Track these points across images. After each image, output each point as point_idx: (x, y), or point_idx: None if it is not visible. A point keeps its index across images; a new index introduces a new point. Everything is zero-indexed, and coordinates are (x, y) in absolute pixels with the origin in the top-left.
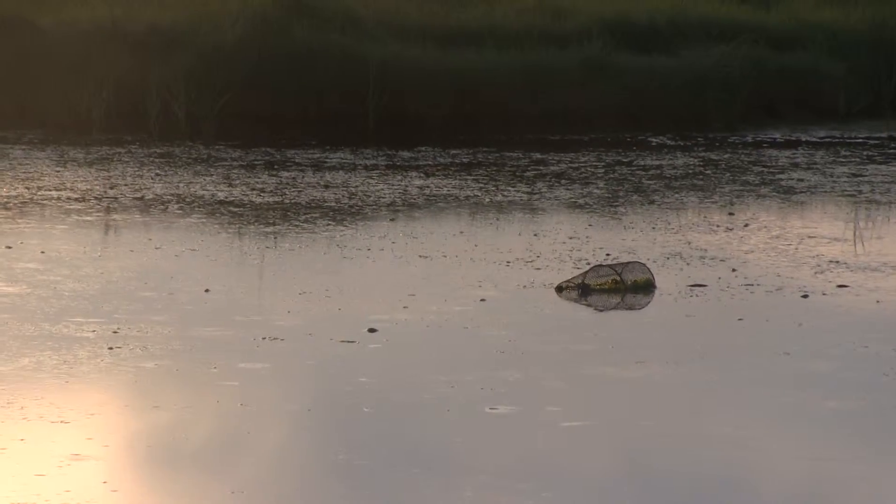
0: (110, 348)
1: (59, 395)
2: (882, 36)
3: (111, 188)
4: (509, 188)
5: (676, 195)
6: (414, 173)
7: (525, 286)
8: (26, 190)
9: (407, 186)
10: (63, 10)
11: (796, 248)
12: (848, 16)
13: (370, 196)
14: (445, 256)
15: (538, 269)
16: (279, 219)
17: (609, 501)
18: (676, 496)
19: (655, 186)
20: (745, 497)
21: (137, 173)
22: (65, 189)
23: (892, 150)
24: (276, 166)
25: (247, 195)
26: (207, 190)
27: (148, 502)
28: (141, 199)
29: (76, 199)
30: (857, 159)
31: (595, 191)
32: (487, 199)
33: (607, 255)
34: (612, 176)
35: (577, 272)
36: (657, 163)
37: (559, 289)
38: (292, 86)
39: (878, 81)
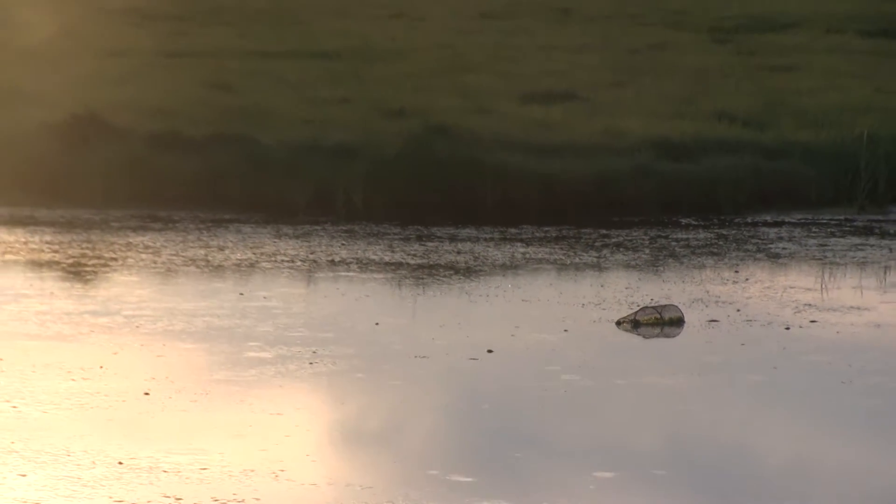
0: (310, 363)
1: (275, 396)
2: (842, 150)
3: (311, 254)
4: (583, 254)
5: (699, 259)
6: (518, 244)
7: (595, 321)
8: (252, 255)
9: (514, 253)
10: (278, 129)
11: (781, 296)
12: (818, 136)
13: (488, 259)
14: (539, 301)
15: (604, 309)
16: (426, 275)
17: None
18: (709, 462)
19: (684, 253)
20: (752, 458)
21: (329, 244)
22: (279, 254)
23: (847, 228)
24: (423, 238)
25: (404, 259)
26: (377, 255)
27: (337, 467)
28: (332, 261)
29: (287, 261)
30: (823, 234)
31: (643, 256)
32: (568, 261)
33: (651, 299)
34: (654, 245)
35: (630, 311)
36: (685, 237)
37: (618, 323)
38: (436, 182)
39: (838, 181)
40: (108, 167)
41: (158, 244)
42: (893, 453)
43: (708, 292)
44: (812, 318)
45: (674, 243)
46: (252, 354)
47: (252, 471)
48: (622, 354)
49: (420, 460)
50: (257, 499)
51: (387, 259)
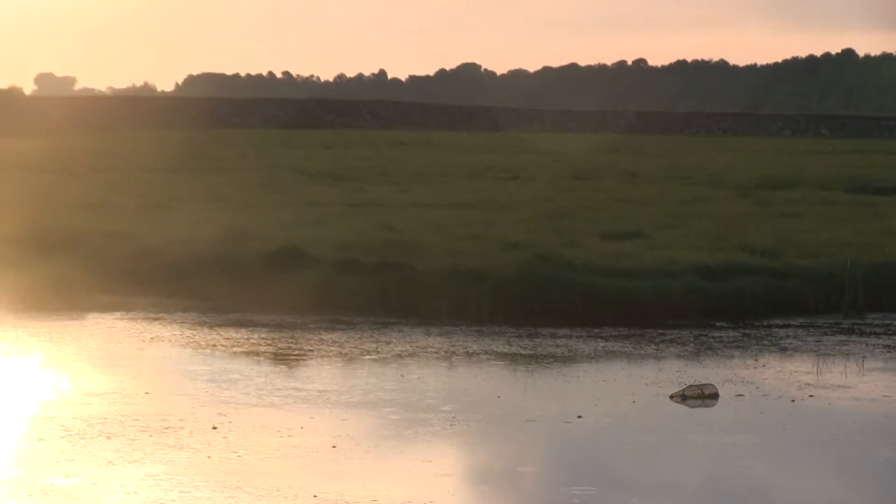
0: (451, 424)
1: (426, 448)
2: (831, 273)
3: (451, 347)
4: (646, 347)
5: (729, 351)
6: (600, 340)
7: (654, 395)
8: (409, 347)
9: (596, 346)
10: (428, 258)
11: (788, 377)
12: (815, 263)
13: (578, 351)
14: (615, 380)
15: (661, 387)
16: (533, 362)
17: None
18: (736, 495)
19: (719, 346)
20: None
21: (464, 340)
22: (429, 347)
23: (835, 329)
24: (532, 336)
25: (518, 350)
26: (499, 348)
27: (472, 499)
28: (466, 352)
29: (434, 352)
30: (818, 334)
31: (689, 349)
32: (635, 352)
33: (695, 380)
34: (697, 341)
35: (679, 388)
36: (719, 335)
37: (671, 397)
38: (541, 296)
39: (829, 295)
40: (306, 285)
41: (342, 340)
42: (868, 490)
43: (736, 375)
44: (811, 394)
45: (711, 340)
46: (408, 417)
47: (409, 502)
48: (674, 419)
49: (531, 493)
50: None
51: (505, 351)
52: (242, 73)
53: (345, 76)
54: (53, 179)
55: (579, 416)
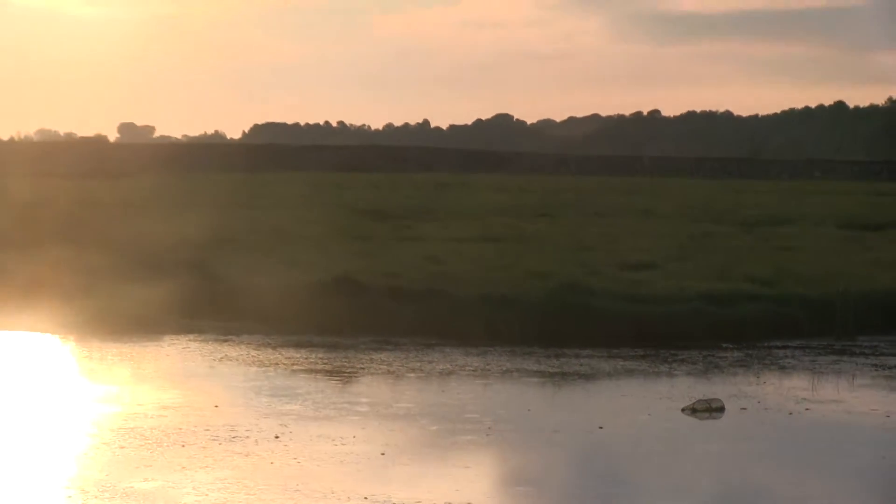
0: (487, 434)
1: (464, 454)
2: (825, 300)
3: (487, 365)
4: (660, 366)
5: (734, 369)
6: (619, 359)
7: (668, 409)
8: (449, 366)
9: (615, 365)
10: (465, 286)
11: (786, 392)
12: (810, 291)
13: (599, 369)
14: (633, 395)
15: (673, 401)
16: (559, 379)
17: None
18: (741, 494)
19: (724, 365)
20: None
21: (498, 359)
22: (467, 365)
23: (829, 350)
24: (558, 356)
25: (546, 368)
26: (529, 366)
27: (506, 499)
28: (500, 370)
29: (472, 370)
30: (813, 354)
31: (698, 367)
32: (651, 370)
33: (703, 395)
34: (705, 361)
35: (690, 402)
36: (725, 355)
37: (682, 409)
38: (566, 320)
39: (823, 319)
40: (358, 310)
41: (390, 359)
42: (859, 491)
43: (740, 390)
44: (807, 407)
45: (718, 359)
46: (449, 428)
47: (450, 502)
48: (685, 429)
49: (558, 495)
50: None
51: (534, 368)
52: (302, 123)
53: (392, 125)
54: (135, 216)
55: (601, 427)
